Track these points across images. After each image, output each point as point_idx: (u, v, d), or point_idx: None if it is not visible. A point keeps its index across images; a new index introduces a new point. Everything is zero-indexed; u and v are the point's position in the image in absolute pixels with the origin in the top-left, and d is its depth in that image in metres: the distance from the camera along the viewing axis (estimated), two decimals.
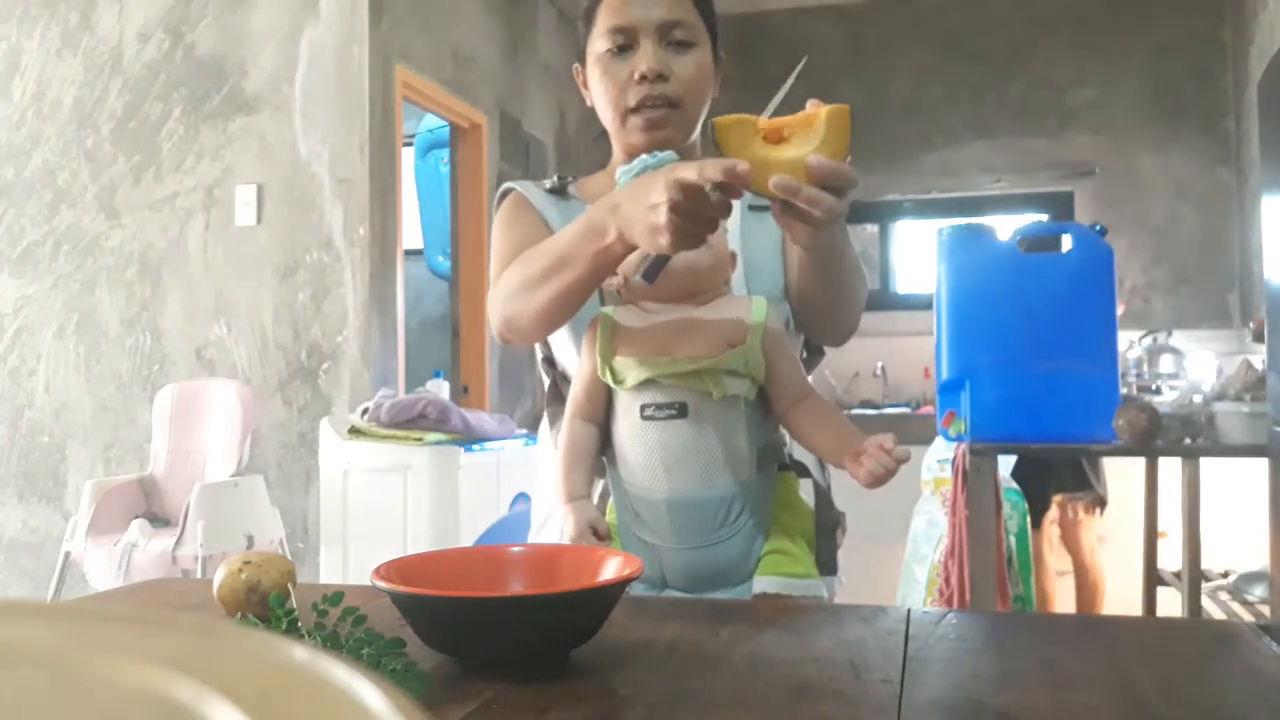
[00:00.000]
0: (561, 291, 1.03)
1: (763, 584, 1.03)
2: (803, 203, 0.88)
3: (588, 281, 1.02)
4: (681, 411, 1.00)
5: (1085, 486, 3.55)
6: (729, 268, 1.07)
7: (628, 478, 1.04)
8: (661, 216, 0.89)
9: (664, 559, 1.03)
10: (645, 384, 1.01)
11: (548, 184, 1.27)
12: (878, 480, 0.95)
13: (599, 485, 1.09)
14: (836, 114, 0.90)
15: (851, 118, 0.90)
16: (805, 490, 1.11)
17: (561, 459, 1.05)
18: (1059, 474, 3.53)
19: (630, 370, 1.01)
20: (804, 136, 0.91)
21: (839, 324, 1.17)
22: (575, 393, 1.07)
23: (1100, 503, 3.58)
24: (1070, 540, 3.60)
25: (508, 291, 1.09)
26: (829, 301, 1.12)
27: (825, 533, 1.10)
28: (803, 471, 1.12)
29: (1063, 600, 3.66)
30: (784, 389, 1.04)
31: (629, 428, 1.02)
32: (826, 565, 1.09)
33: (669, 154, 1.03)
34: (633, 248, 0.96)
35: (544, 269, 1.03)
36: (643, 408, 1.01)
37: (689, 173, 0.88)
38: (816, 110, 0.92)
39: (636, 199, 0.92)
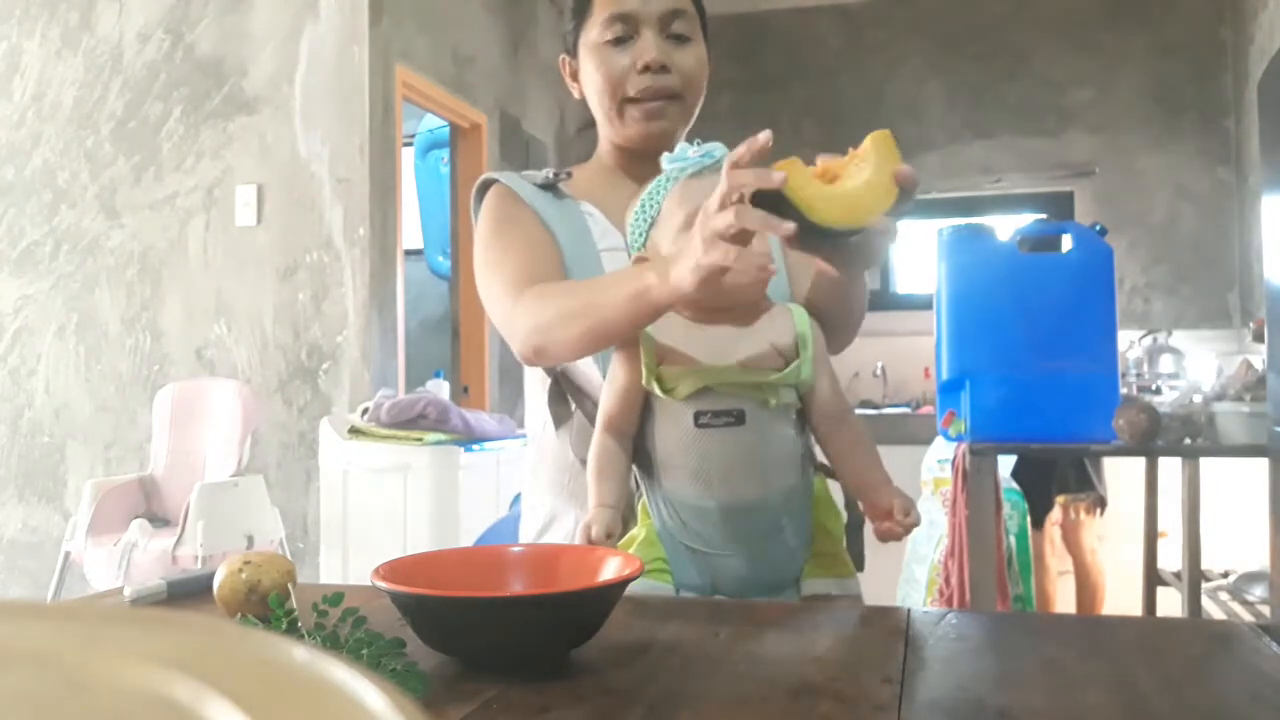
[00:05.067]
0: (599, 336, 1.01)
1: (812, 586, 1.03)
2: (885, 234, 0.91)
3: (626, 329, 1.00)
4: (740, 419, 0.99)
5: (1088, 487, 3.55)
6: (767, 280, 1.03)
7: (674, 487, 1.01)
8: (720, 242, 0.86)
9: (715, 566, 1.02)
10: (699, 391, 0.99)
11: (539, 178, 1.23)
12: (892, 540, 1.00)
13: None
14: (880, 139, 0.90)
15: (894, 139, 0.90)
16: (834, 489, 1.11)
17: (593, 468, 1.02)
18: (1063, 474, 3.54)
19: (683, 380, 0.99)
20: (854, 169, 0.90)
21: (842, 337, 1.17)
22: (608, 404, 1.04)
23: (1101, 503, 3.58)
24: (1071, 541, 3.60)
25: (537, 322, 1.05)
26: (840, 318, 1.12)
27: (854, 531, 1.11)
28: (829, 472, 1.12)
29: (1063, 600, 3.66)
30: (822, 404, 1.04)
31: (679, 436, 1.00)
32: (857, 562, 1.10)
33: (717, 146, 1.01)
34: (675, 295, 0.93)
35: (581, 309, 1.01)
36: (697, 415, 0.99)
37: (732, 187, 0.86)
38: (858, 149, 0.92)
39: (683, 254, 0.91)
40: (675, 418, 1.00)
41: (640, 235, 1.04)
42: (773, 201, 0.86)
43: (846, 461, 1.05)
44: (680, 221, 0.99)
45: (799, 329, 1.03)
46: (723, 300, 0.97)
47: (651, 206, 1.04)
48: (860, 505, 1.06)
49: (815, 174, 0.90)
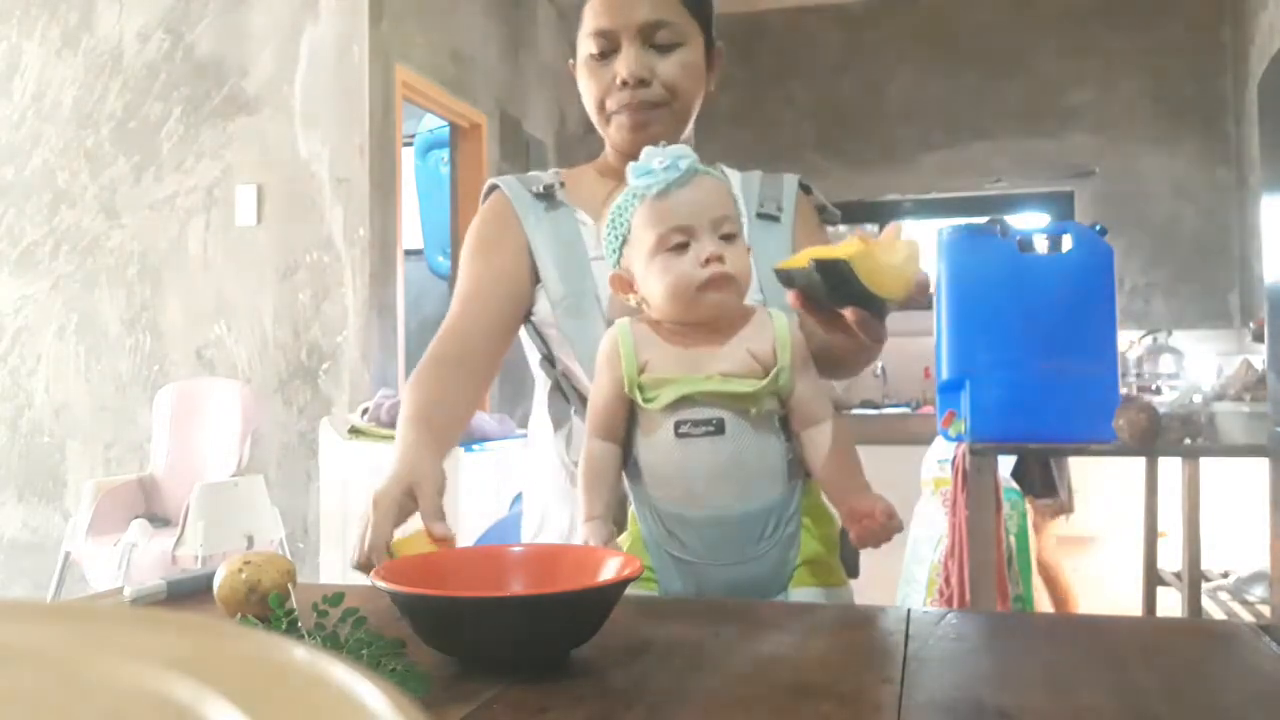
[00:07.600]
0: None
1: (800, 595, 1.03)
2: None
3: None
4: (719, 428, 0.98)
5: (1052, 492, 3.52)
6: (747, 288, 1.04)
7: (659, 496, 1.01)
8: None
9: (701, 576, 1.02)
10: (679, 401, 0.99)
11: (538, 187, 1.24)
12: (870, 545, 0.98)
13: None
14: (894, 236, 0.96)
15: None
16: (825, 496, 1.11)
17: (583, 478, 1.03)
18: (1030, 478, 3.51)
19: (663, 388, 0.99)
20: (889, 247, 0.95)
21: (853, 371, 1.16)
22: (594, 410, 1.04)
23: (1062, 508, 3.54)
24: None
25: (412, 384, 1.20)
26: (851, 357, 1.10)
27: (847, 537, 1.10)
28: None
29: (1042, 601, 3.65)
30: (802, 410, 1.03)
31: (662, 446, 1.00)
32: (850, 569, 1.09)
33: (681, 148, 1.01)
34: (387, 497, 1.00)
35: (402, 421, 1.12)
36: (678, 424, 0.99)
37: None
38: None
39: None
40: (657, 427, 1.00)
41: (614, 253, 1.05)
42: (839, 272, 0.90)
43: (823, 465, 1.03)
44: (651, 244, 0.99)
45: (778, 336, 1.02)
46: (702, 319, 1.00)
47: (621, 224, 1.03)
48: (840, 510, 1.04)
49: (861, 248, 0.92)
